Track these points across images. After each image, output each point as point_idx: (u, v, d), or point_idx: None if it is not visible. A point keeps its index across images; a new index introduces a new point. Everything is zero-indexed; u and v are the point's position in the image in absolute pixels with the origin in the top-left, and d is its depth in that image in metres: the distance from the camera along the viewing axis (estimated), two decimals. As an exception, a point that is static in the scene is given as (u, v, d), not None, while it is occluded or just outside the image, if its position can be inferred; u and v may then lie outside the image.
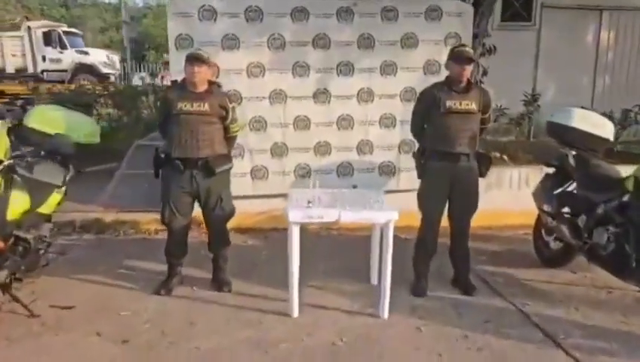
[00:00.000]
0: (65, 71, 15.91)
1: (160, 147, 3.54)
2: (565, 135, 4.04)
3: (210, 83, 3.50)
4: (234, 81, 4.77)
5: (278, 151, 5.02)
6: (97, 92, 8.89)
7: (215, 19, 4.72)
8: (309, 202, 3.23)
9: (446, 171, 3.54)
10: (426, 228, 3.68)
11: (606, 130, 3.97)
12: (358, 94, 5.02)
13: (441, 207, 3.65)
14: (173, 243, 3.60)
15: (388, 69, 5.01)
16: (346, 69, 4.96)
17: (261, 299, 3.51)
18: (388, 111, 5.08)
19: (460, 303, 3.53)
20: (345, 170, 5.16)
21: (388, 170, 5.21)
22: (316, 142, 5.06)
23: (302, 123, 5.00)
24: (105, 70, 16.60)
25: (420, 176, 3.71)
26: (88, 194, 5.31)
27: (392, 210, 3.18)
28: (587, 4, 7.62)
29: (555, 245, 4.18)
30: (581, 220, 3.72)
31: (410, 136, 4.07)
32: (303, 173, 5.09)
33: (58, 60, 16.10)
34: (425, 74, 5.00)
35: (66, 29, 17.69)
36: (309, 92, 4.96)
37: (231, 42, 4.75)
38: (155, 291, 3.58)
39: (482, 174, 3.66)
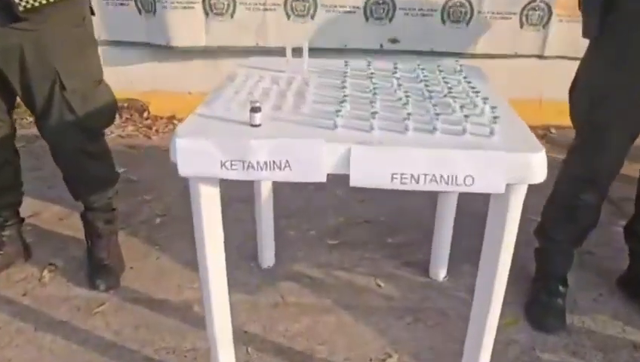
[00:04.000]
0: None
1: None
2: None
3: None
4: None
5: (255, -37, 2.69)
6: None
7: None
8: (254, 107, 0.95)
9: None
10: (585, 170, 1.46)
11: None
12: None
13: (636, 120, 1.40)
14: None
15: None
16: None
17: (173, 316, 1.54)
18: None
19: None
20: (378, 7, 2.80)
21: (460, 14, 2.80)
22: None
23: None
24: None
25: (588, 33, 1.38)
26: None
27: (533, 149, 0.89)
28: None
29: None
30: None
31: None
32: (302, 10, 2.79)
33: None
34: None
35: None
36: None
37: None
38: None
39: None
